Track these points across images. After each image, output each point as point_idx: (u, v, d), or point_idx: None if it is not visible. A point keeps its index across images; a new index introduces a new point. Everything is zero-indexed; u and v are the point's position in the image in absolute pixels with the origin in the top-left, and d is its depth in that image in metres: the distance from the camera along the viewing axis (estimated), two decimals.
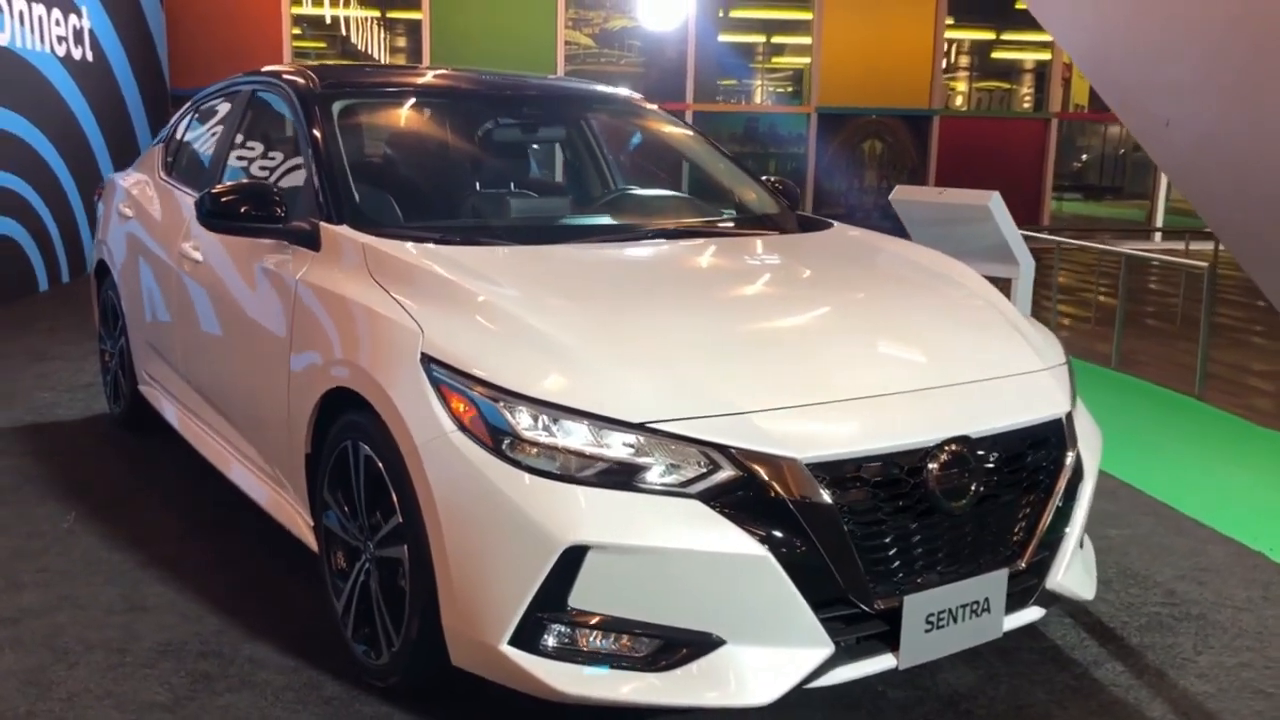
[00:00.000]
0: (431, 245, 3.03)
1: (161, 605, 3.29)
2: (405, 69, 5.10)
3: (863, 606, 2.45)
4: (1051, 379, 2.90)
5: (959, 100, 15.67)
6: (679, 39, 14.08)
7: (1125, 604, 3.48)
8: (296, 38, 13.81)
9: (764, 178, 4.22)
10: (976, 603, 2.61)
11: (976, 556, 2.62)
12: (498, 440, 2.40)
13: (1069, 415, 2.85)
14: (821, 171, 14.71)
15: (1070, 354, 3.20)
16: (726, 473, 2.36)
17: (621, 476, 2.35)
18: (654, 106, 4.39)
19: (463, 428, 2.44)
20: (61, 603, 3.30)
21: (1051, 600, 2.84)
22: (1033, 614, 2.81)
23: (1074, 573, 2.89)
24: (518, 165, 4.30)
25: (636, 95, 4.44)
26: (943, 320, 3.03)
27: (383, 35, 14.16)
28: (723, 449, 2.36)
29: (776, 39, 15.10)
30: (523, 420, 2.39)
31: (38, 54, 9.04)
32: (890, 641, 2.52)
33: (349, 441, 2.80)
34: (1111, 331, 7.46)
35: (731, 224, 3.95)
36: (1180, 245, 13.16)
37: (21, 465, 4.57)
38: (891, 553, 2.49)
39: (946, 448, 2.52)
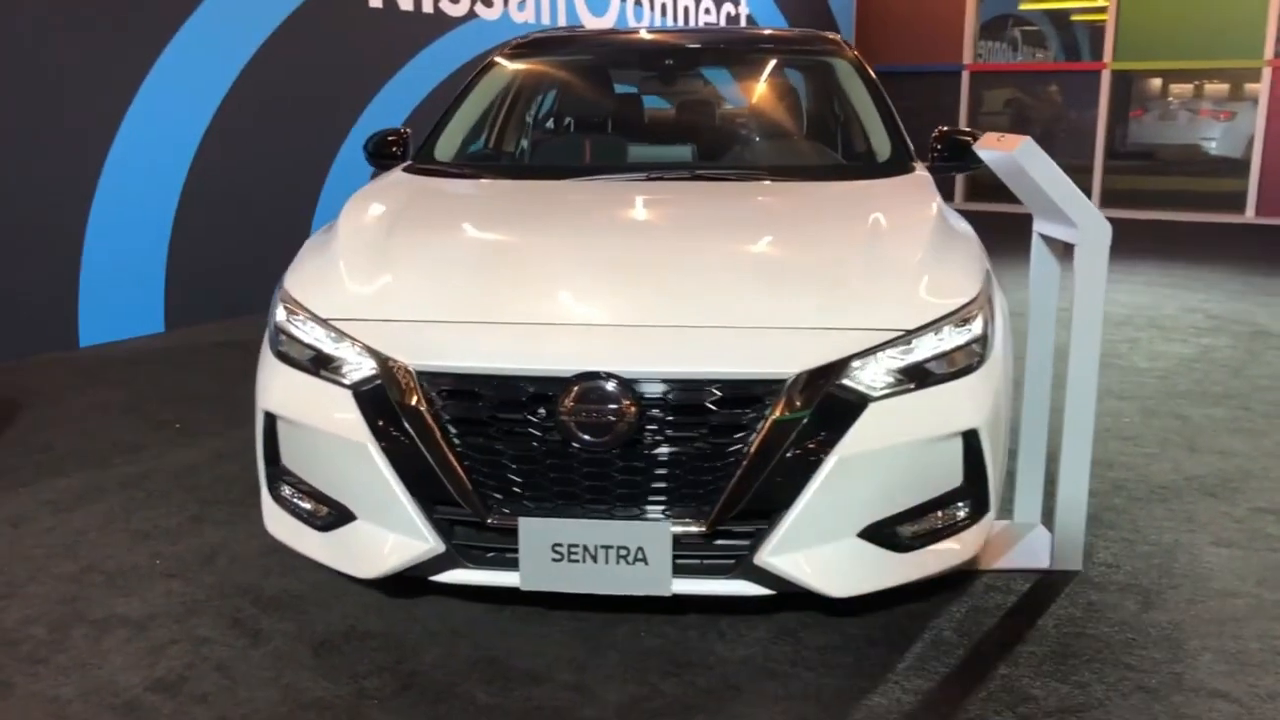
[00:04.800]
0: (417, 178, 3.64)
1: (151, 471, 4.15)
2: (610, 33, 5.38)
3: (477, 518, 2.59)
4: (821, 341, 2.57)
5: None
6: None
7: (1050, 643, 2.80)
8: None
9: (945, 129, 3.93)
10: (625, 549, 2.54)
11: (628, 502, 2.55)
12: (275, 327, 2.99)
13: (812, 377, 2.52)
14: None
15: None
16: (369, 370, 2.67)
17: (314, 363, 2.79)
18: (837, 50, 4.29)
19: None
20: (117, 459, 4.51)
21: (773, 581, 2.57)
22: (737, 587, 2.59)
23: (806, 559, 2.56)
24: (666, 113, 4.54)
25: (830, 40, 4.37)
26: (763, 270, 2.81)
27: None
28: (367, 348, 2.68)
29: None
30: (280, 313, 2.94)
31: None
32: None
33: None
34: None
35: (791, 170, 3.83)
36: None
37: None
38: (508, 472, 2.57)
39: (583, 381, 2.51)
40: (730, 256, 2.89)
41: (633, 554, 2.54)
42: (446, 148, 4.01)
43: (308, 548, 2.83)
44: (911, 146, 3.89)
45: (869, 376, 2.60)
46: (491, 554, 2.63)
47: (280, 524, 2.91)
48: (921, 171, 3.63)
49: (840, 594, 2.59)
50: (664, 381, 2.51)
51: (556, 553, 2.56)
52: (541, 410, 2.53)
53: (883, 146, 3.88)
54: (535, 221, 3.26)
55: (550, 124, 4.71)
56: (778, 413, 2.49)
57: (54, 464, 4.22)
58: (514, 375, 2.55)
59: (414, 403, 2.57)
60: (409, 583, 2.79)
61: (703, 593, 2.60)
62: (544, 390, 2.53)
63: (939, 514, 2.74)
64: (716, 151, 4.16)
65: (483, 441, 2.56)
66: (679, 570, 2.58)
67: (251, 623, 2.96)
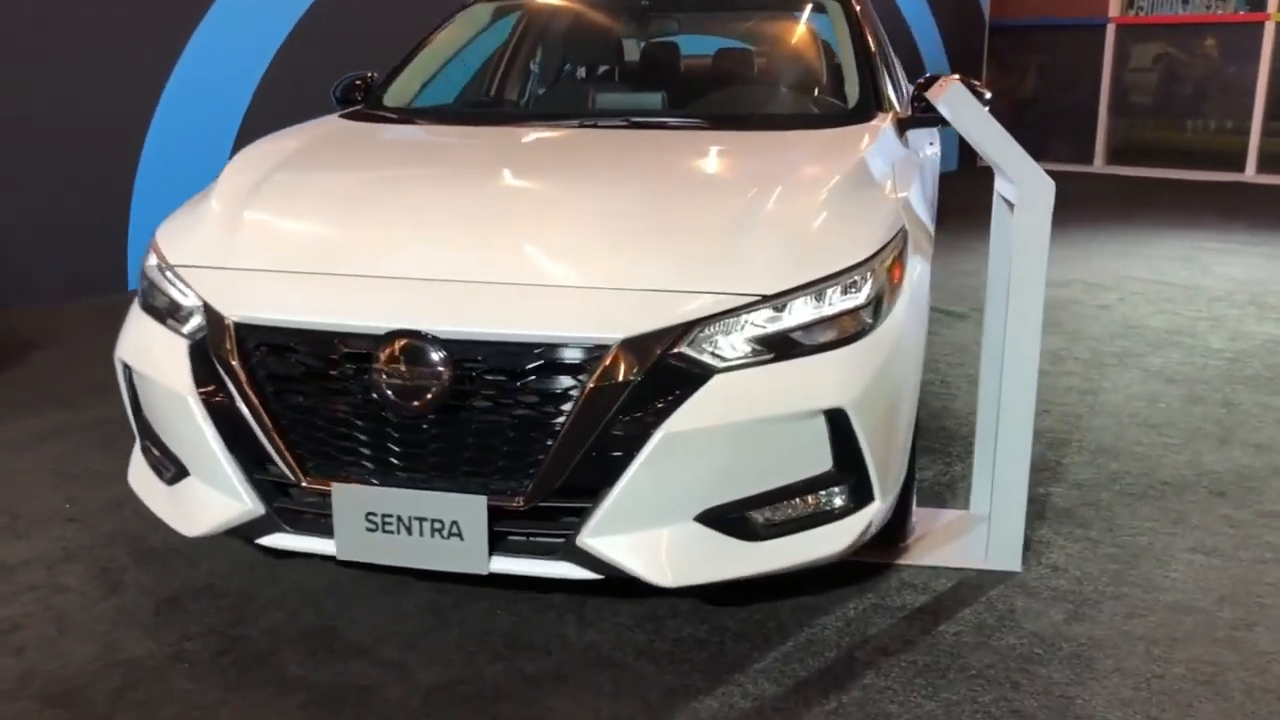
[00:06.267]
0: (341, 123, 3.50)
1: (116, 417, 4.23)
2: None
3: (293, 480, 2.45)
4: (658, 304, 2.32)
5: None
6: None
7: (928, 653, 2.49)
8: None
9: (929, 76, 3.56)
10: (440, 523, 2.37)
11: (443, 472, 2.37)
12: None
13: (641, 343, 2.26)
14: None
15: None
16: (200, 319, 2.55)
17: (166, 312, 2.69)
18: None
19: None
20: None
21: (597, 564, 2.35)
22: (560, 569, 2.38)
23: (631, 542, 2.33)
24: (637, 59, 4.26)
25: None
26: (626, 226, 2.54)
27: None
28: (199, 297, 2.56)
29: None
30: (151, 259, 2.85)
31: None
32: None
33: None
34: None
35: (738, 119, 3.52)
36: None
37: None
38: (323, 434, 2.41)
39: (395, 340, 2.33)
40: (598, 210, 2.65)
41: (447, 528, 2.36)
42: (400, 93, 3.86)
43: (152, 500, 2.74)
44: (889, 94, 3.52)
45: (718, 345, 2.33)
46: (312, 519, 2.48)
47: (139, 475, 2.84)
48: (879, 121, 3.27)
49: (668, 583, 2.34)
50: (481, 343, 2.31)
51: (370, 522, 2.40)
52: (355, 369, 2.37)
53: (854, 94, 3.54)
54: (412, 170, 3.08)
55: (517, 69, 4.51)
56: (597, 381, 2.26)
57: (34, 404, 4.30)
58: (327, 331, 2.39)
59: (231, 356, 2.43)
60: None
61: (523, 573, 2.39)
62: (357, 348, 2.36)
63: (806, 500, 2.46)
64: (684, 99, 3.88)
65: (300, 400, 2.41)
66: (499, 547, 2.38)
67: (117, 574, 2.91)
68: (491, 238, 2.54)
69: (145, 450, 2.83)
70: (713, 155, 3.04)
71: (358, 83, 3.97)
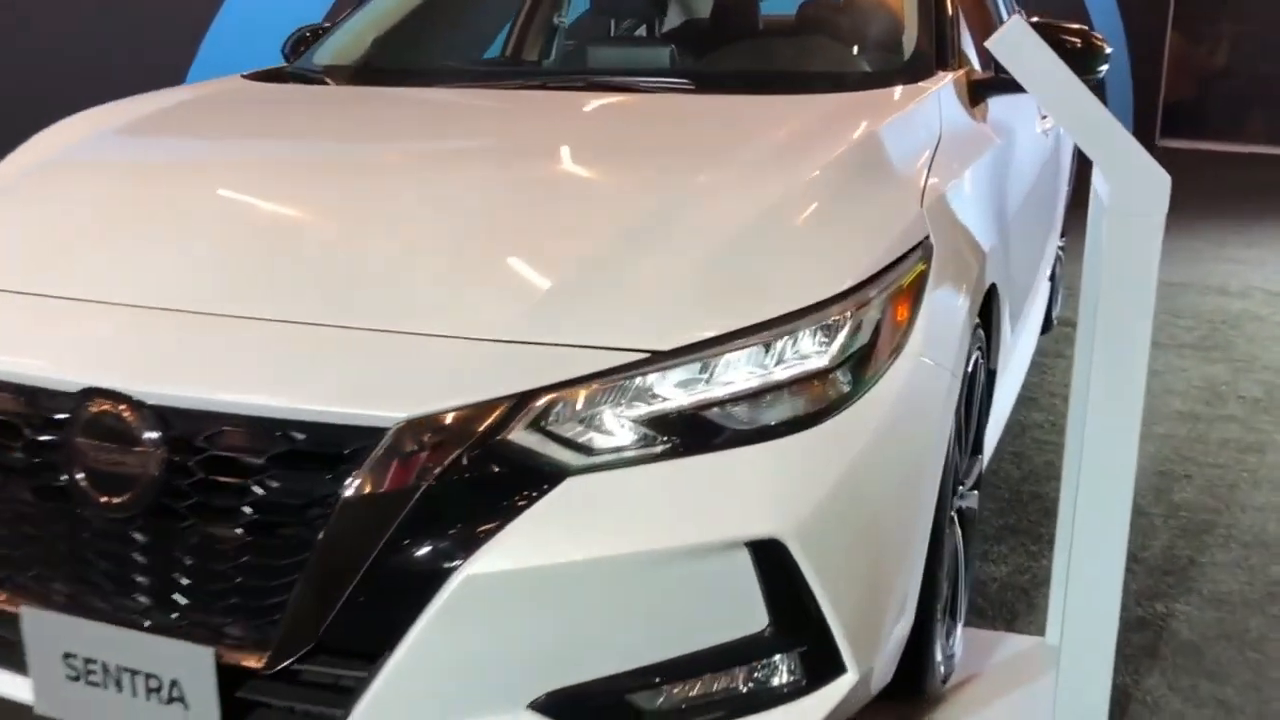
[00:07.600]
0: (229, 85, 2.74)
1: None
2: None
3: None
4: (485, 361, 1.46)
5: None
6: None
7: None
8: None
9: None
10: (156, 680, 1.57)
11: (158, 605, 1.57)
12: None
13: (444, 425, 1.42)
14: None
15: None
16: None
17: None
18: None
19: None
20: None
21: None
22: None
23: None
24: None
25: None
26: (483, 237, 1.69)
27: None
28: None
29: None
30: None
31: None
32: None
33: None
34: None
35: (744, 79, 2.63)
36: None
37: None
38: (8, 533, 1.65)
39: (92, 403, 1.54)
40: (439, 210, 1.79)
41: (166, 688, 1.57)
42: (341, 48, 3.06)
43: None
44: (957, 46, 2.55)
45: (583, 427, 1.46)
46: (13, 651, 1.71)
47: None
48: (936, 81, 2.31)
49: None
50: (204, 414, 1.49)
51: (71, 667, 1.63)
52: (47, 442, 1.58)
53: (910, 44, 2.58)
54: (237, 149, 2.26)
55: (537, 22, 3.68)
56: (362, 484, 1.41)
57: None
58: (9, 382, 1.61)
59: None
60: None
61: None
62: (50, 410, 1.58)
63: (731, 674, 1.56)
64: (702, 53, 2.98)
65: None
66: None
67: None
68: (268, 249, 1.72)
69: None
70: (659, 128, 2.14)
71: (306, 35, 3.24)
